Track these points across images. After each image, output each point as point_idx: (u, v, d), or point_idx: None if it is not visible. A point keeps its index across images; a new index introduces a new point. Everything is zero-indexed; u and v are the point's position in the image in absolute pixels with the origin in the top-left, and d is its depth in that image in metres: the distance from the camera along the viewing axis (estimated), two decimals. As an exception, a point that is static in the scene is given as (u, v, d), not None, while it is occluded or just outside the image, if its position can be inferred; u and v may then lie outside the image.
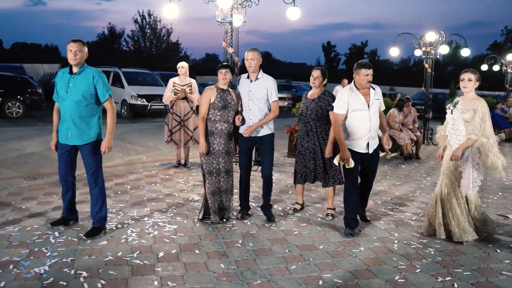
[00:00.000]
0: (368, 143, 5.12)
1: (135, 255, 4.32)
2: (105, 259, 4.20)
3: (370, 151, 5.16)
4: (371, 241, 4.95)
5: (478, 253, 4.74)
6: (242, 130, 5.42)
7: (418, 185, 7.90)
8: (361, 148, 5.12)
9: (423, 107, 14.33)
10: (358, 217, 5.44)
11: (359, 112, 5.07)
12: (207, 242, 4.72)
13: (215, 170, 5.22)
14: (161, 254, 4.37)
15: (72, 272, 3.91)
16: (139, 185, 7.00)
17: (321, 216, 5.77)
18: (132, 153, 9.92)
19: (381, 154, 9.80)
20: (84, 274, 3.88)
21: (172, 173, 7.97)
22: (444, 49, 14.46)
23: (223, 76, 5.19)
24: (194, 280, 3.86)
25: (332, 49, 63.12)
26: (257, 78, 5.35)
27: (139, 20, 50.61)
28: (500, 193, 7.46)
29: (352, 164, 5.02)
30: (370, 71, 5.05)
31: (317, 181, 5.70)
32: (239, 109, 5.40)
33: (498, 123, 15.34)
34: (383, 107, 5.42)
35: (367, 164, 5.30)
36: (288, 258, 4.41)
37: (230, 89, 5.31)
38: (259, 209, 5.77)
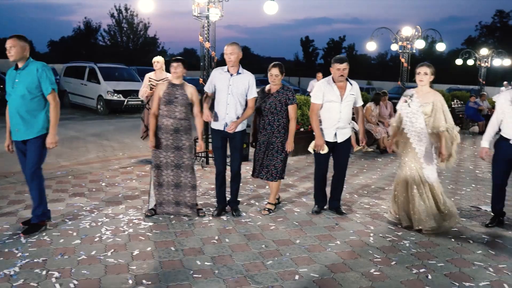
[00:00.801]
0: (336, 133, 5.44)
1: (109, 253, 4.26)
2: (78, 259, 4.12)
3: (339, 140, 5.47)
4: (347, 235, 4.97)
5: (452, 245, 4.80)
6: (216, 125, 5.37)
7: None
8: (328, 137, 5.46)
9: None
10: (334, 211, 5.66)
11: (331, 104, 5.38)
12: (183, 239, 4.68)
13: (161, 164, 5.23)
14: (136, 252, 4.31)
15: (44, 272, 3.83)
16: (115, 182, 6.91)
17: (298, 210, 5.78)
18: (108, 150, 9.78)
19: (358, 148, 9.86)
20: (56, 274, 3.80)
21: (149, 169, 7.85)
22: (420, 44, 14.64)
23: (174, 70, 5.13)
24: (169, 278, 3.82)
25: (310, 44, 63.31)
26: (238, 73, 5.31)
27: (115, 14, 49.95)
28: (473, 185, 7.59)
29: (326, 149, 5.43)
30: (343, 65, 5.22)
31: (259, 177, 5.65)
32: (206, 104, 5.34)
33: (472, 116, 15.61)
34: (360, 103, 5.60)
35: (336, 153, 5.59)
36: (264, 253, 4.40)
37: (186, 84, 5.20)
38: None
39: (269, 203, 5.74)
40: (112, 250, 4.34)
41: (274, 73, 5.43)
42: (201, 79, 8.21)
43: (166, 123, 5.15)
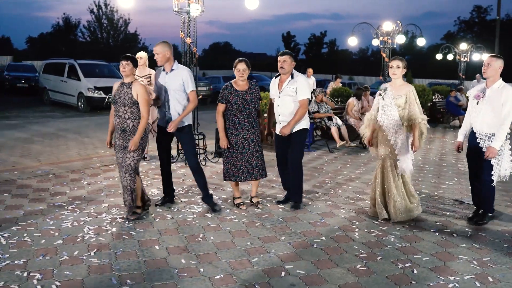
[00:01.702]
0: (280, 127, 5.56)
1: (92, 253, 4.18)
2: (61, 259, 4.04)
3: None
4: (332, 230, 4.97)
5: (436, 239, 4.84)
6: (160, 122, 5.47)
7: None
8: (277, 130, 5.68)
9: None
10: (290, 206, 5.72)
11: (274, 98, 5.67)
12: (167, 237, 4.62)
13: (118, 165, 5.08)
14: (119, 252, 4.24)
15: (25, 274, 3.74)
16: (97, 180, 6.80)
17: (283, 207, 5.75)
18: (89, 147, 9.63)
19: (341, 143, 9.91)
20: (38, 276, 3.72)
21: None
22: (400, 39, 14.73)
23: (122, 69, 4.97)
24: (154, 277, 3.76)
25: (291, 39, 63.32)
26: (172, 70, 5.33)
27: (95, 10, 49.25)
28: (455, 179, 7.66)
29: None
30: (283, 58, 5.45)
31: (247, 180, 5.60)
32: (153, 105, 5.40)
33: (452, 110, 15.77)
34: (302, 97, 5.47)
35: (289, 147, 5.65)
36: (250, 250, 4.37)
37: (135, 83, 4.94)
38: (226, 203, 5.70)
39: (255, 197, 5.78)
40: (95, 249, 4.26)
41: (241, 68, 5.42)
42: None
43: (115, 122, 5.02)
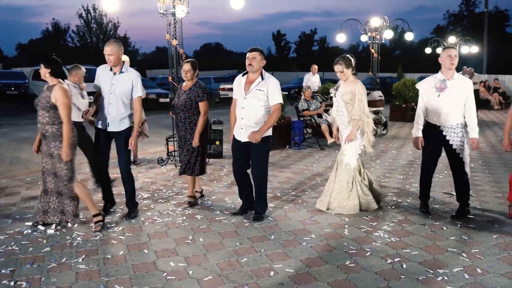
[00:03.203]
0: (241, 132, 5.10)
1: (80, 259, 4.15)
2: (48, 267, 4.01)
3: (243, 140, 5.10)
4: (322, 228, 4.97)
5: (425, 232, 4.85)
6: (99, 124, 5.24)
7: (368, 168, 8.01)
8: (236, 134, 5.21)
9: (369, 92, 14.60)
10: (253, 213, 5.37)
11: (238, 99, 5.19)
12: (156, 241, 4.60)
13: (44, 170, 4.93)
14: (108, 257, 4.22)
15: (12, 283, 3.71)
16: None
17: (272, 206, 5.74)
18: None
19: (331, 140, 9.89)
20: (25, 284, 3.68)
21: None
22: (388, 34, 14.78)
23: (43, 72, 4.80)
24: (142, 281, 3.74)
25: (282, 38, 63.31)
26: (121, 71, 5.17)
27: (84, 15, 48.99)
28: (445, 172, 7.68)
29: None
30: (252, 54, 5.10)
31: (185, 173, 5.69)
32: (94, 104, 5.20)
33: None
34: (274, 101, 5.05)
35: (251, 153, 5.19)
36: (239, 251, 4.36)
37: (55, 87, 4.74)
38: (212, 202, 5.68)
39: (189, 196, 5.76)
40: (84, 255, 4.23)
41: (185, 68, 5.51)
42: (170, 77, 8.11)
43: (38, 127, 4.86)
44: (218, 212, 5.49)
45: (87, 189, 5.07)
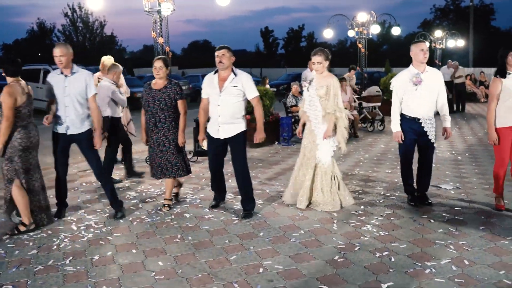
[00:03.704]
0: (219, 129, 5.16)
1: (67, 261, 4.11)
2: (35, 269, 3.96)
3: (221, 137, 5.18)
4: (311, 223, 4.97)
5: (413, 225, 4.87)
6: (58, 129, 5.15)
7: (357, 163, 8.06)
8: (213, 132, 5.26)
9: (359, 87, 14.65)
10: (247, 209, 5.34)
11: (212, 97, 5.21)
12: (144, 241, 4.57)
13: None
14: (95, 258, 4.18)
15: (-2, 286, 3.67)
16: (73, 186, 6.70)
17: (261, 202, 5.74)
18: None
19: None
20: None
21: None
22: (375, 29, 14.84)
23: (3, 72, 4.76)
24: (130, 282, 3.72)
25: (270, 34, 63.29)
26: (73, 73, 5.11)
27: (69, 13, 48.53)
28: (433, 165, 7.71)
29: (204, 146, 5.48)
30: (221, 52, 5.12)
31: (165, 177, 5.52)
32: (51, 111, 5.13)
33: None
34: (251, 95, 5.18)
35: (231, 151, 5.30)
36: (228, 248, 4.35)
37: (6, 87, 4.69)
38: (199, 201, 5.66)
39: (166, 199, 5.62)
40: (71, 257, 4.20)
41: (157, 65, 5.34)
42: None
43: None
44: (207, 210, 5.47)
45: (25, 195, 4.79)
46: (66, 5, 48.79)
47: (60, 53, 4.95)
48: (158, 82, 5.42)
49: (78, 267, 3.99)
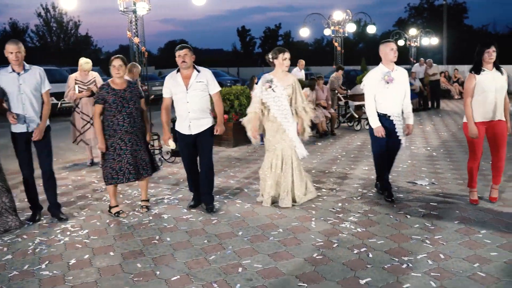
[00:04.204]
0: (190, 125, 5.29)
1: (43, 266, 4.04)
2: (10, 275, 3.89)
3: (193, 132, 5.31)
4: (289, 222, 4.99)
5: (390, 221, 4.93)
6: (18, 128, 5.06)
7: (334, 160, 8.12)
8: (184, 129, 5.34)
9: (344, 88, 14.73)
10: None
11: (178, 96, 5.30)
12: (122, 243, 4.53)
13: None
14: (72, 262, 4.12)
15: (-29, 293, 3.59)
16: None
17: (240, 202, 5.75)
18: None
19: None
20: (-15, 294, 3.57)
21: (85, 173, 7.59)
22: (351, 27, 14.95)
23: None
24: (108, 285, 3.68)
25: (247, 33, 63.29)
26: (25, 70, 5.04)
27: (43, 13, 47.66)
28: (409, 161, 7.85)
29: (172, 145, 5.47)
30: (183, 52, 5.22)
31: (141, 177, 5.39)
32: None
33: (406, 94, 16.14)
34: (214, 90, 5.39)
35: (199, 146, 5.40)
36: (207, 248, 4.33)
37: None
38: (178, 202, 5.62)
39: (144, 200, 5.58)
40: (47, 262, 4.13)
41: (117, 64, 5.20)
42: (133, 76, 7.97)
43: None
44: (185, 211, 5.45)
45: None
46: (40, 5, 48.00)
47: (17, 49, 4.89)
48: (118, 82, 5.26)
49: (55, 272, 3.93)
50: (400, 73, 5.52)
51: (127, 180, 5.28)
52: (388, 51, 5.42)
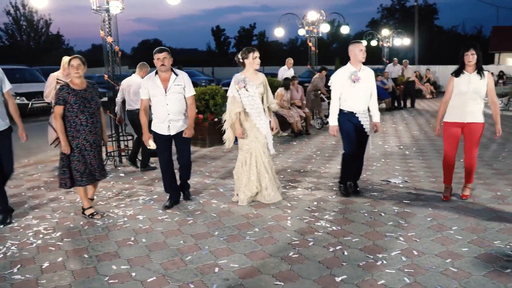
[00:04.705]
0: (169, 126, 5.42)
1: (15, 270, 3.95)
2: (-20, 279, 3.80)
3: (172, 133, 5.44)
4: (265, 221, 5.01)
5: (365, 219, 5.00)
6: None
7: (309, 160, 8.18)
8: (162, 130, 5.44)
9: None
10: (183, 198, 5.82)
11: (157, 98, 5.38)
12: (96, 245, 4.46)
13: None
14: (45, 265, 4.04)
15: None
16: (20, 191, 6.45)
17: (216, 202, 5.74)
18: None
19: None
20: (-46, 299, 3.48)
21: (58, 174, 7.44)
22: (325, 28, 15.06)
23: None
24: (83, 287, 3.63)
25: (221, 33, 63.16)
26: None
27: (12, 11, 46.49)
28: (382, 160, 7.97)
29: (152, 145, 5.47)
30: (162, 55, 5.29)
31: (95, 180, 5.36)
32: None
33: (379, 94, 16.37)
34: (191, 93, 5.51)
35: (177, 145, 5.59)
36: (183, 249, 4.31)
37: None
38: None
39: (90, 199, 5.53)
40: (19, 265, 4.04)
41: (75, 63, 5.09)
42: (106, 76, 7.87)
43: None
44: (160, 211, 5.41)
45: None
46: (9, 2, 46.82)
47: None
48: (78, 82, 5.14)
49: (27, 275, 3.85)
50: (367, 73, 5.70)
51: (91, 182, 5.24)
52: (357, 51, 5.58)
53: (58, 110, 5.06)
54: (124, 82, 7.60)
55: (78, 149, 5.10)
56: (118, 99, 7.69)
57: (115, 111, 7.82)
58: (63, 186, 5.23)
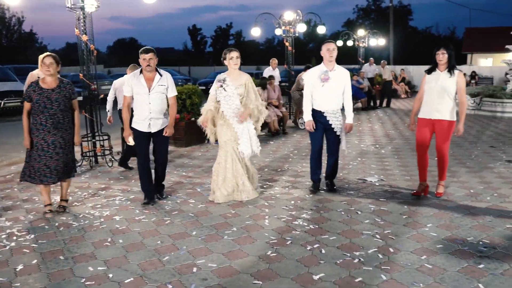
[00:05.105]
0: (150, 124, 5.50)
1: (-13, 272, 3.87)
2: (-49, 283, 3.70)
3: (153, 130, 5.53)
4: (243, 220, 5.02)
5: (342, 218, 5.05)
6: None
7: (286, 159, 8.22)
8: (143, 127, 5.51)
9: (287, 84, 14.90)
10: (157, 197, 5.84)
11: (140, 96, 5.46)
12: (72, 246, 4.40)
13: None
14: (19, 267, 3.96)
15: None
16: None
17: (193, 201, 5.72)
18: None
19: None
20: None
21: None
22: (301, 28, 15.11)
23: None
24: (58, 290, 3.57)
25: (198, 32, 62.89)
26: None
27: (-18, 9, 45.40)
28: (359, 159, 8.06)
29: (131, 142, 5.52)
30: (148, 55, 5.34)
31: (60, 181, 5.38)
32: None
33: (355, 94, 16.55)
34: (173, 93, 5.63)
35: (155, 143, 5.69)
36: (160, 249, 4.28)
37: None
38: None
39: (63, 200, 5.56)
40: (-8, 268, 3.96)
41: (47, 62, 5.07)
42: (81, 74, 7.76)
43: None
44: (137, 212, 5.36)
45: None
46: (-21, -1, 45.65)
47: None
48: (49, 80, 5.12)
49: (1, 279, 3.76)
50: (339, 73, 5.78)
51: (40, 182, 5.21)
52: (325, 51, 5.72)
53: (26, 106, 5.15)
54: (117, 82, 7.65)
55: (36, 147, 5.13)
56: (110, 98, 7.64)
57: (106, 110, 7.76)
58: (21, 178, 5.28)
